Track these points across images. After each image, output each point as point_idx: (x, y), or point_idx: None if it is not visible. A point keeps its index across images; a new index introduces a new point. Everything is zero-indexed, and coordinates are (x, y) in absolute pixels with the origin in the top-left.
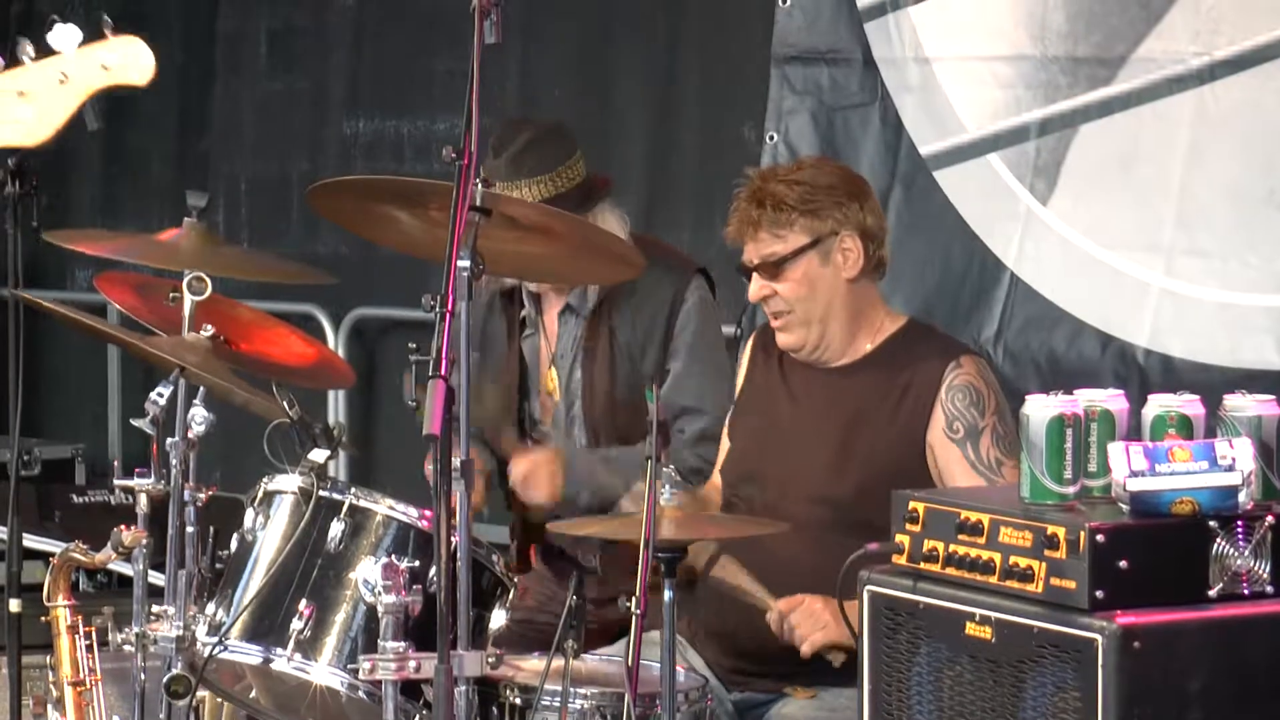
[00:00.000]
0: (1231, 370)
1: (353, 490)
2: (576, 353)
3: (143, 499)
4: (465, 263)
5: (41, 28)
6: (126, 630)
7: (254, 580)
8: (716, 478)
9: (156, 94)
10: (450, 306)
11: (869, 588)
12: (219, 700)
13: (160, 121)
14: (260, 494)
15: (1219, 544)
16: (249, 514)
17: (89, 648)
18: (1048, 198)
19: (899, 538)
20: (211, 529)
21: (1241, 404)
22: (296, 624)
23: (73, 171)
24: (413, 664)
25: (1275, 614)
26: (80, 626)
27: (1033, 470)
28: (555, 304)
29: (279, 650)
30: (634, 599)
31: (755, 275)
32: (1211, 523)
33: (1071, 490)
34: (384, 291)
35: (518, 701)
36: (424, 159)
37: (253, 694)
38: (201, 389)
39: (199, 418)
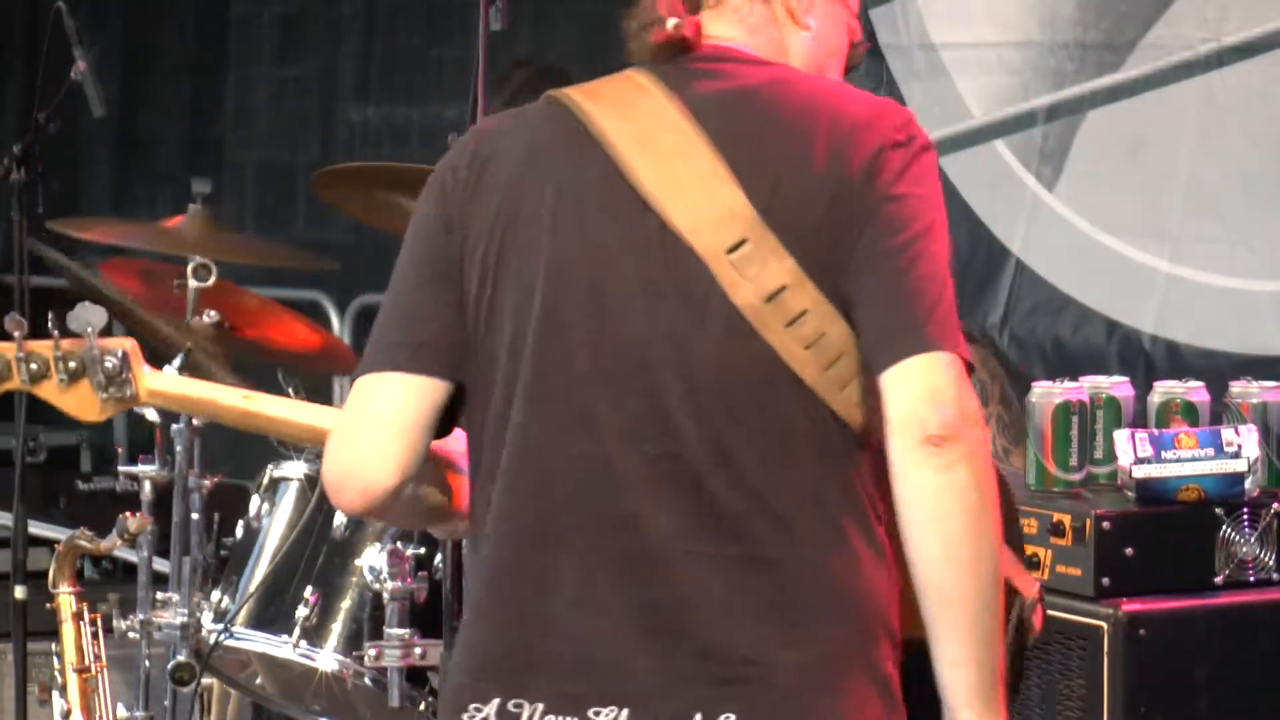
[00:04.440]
0: (1237, 356)
1: None
2: None
3: (147, 486)
4: None
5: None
6: (131, 617)
7: (260, 567)
8: None
9: (168, 81)
10: None
11: None
12: (226, 687)
13: (172, 108)
14: (266, 481)
15: (1225, 531)
16: (255, 501)
17: (94, 634)
18: (1054, 184)
19: None
20: (216, 515)
21: (1248, 390)
22: (302, 611)
23: (84, 159)
24: (418, 651)
25: None
26: (85, 613)
27: (1038, 457)
28: None
29: (285, 637)
30: None
31: None
32: (1217, 509)
33: (1077, 477)
34: (390, 278)
35: None
36: (432, 146)
37: (258, 681)
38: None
39: None
